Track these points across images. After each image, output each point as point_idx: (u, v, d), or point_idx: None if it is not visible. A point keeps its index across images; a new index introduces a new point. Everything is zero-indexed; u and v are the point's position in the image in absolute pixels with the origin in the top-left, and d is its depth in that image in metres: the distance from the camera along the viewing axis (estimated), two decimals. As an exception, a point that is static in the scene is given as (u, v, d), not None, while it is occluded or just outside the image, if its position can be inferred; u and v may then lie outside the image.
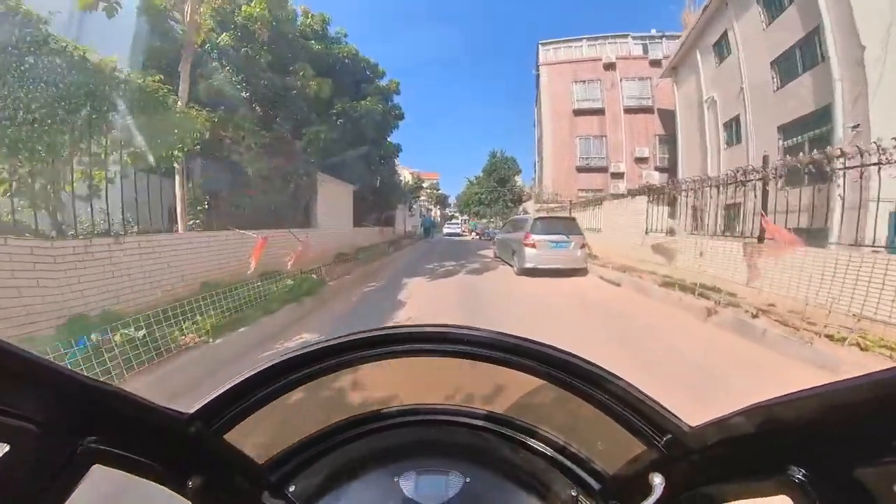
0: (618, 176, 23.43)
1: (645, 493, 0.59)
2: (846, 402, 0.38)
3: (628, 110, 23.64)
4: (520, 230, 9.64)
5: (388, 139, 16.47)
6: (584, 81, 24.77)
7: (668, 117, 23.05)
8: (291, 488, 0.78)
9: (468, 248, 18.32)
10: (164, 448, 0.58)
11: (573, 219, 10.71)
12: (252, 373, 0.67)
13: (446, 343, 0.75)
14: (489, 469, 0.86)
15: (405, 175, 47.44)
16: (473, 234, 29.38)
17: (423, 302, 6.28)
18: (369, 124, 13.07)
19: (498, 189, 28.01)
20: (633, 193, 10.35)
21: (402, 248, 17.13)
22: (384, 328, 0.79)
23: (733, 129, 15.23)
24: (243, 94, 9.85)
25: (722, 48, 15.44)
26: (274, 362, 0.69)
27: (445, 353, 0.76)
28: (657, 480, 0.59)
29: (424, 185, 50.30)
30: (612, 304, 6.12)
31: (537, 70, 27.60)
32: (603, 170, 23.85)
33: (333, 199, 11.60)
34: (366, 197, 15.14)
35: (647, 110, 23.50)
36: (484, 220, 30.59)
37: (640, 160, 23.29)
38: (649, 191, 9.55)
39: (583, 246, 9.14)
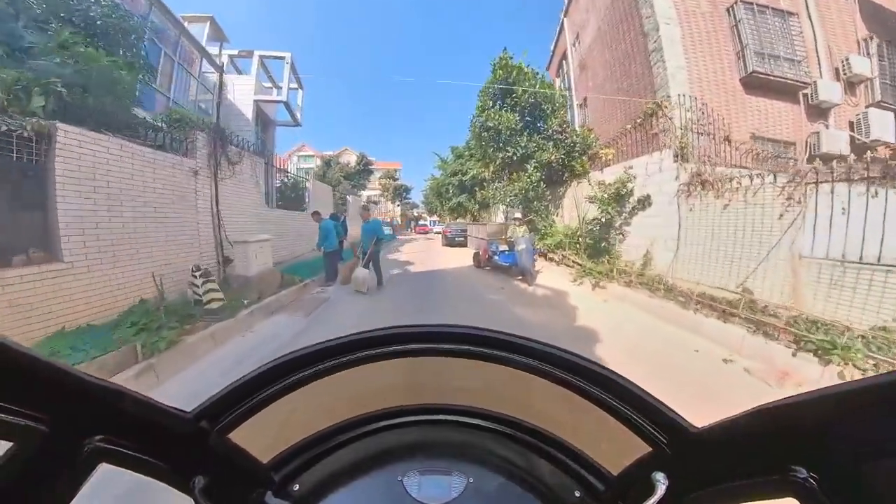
0: (819, 112, 9.93)
1: (650, 495, 0.58)
2: (852, 403, 0.37)
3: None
4: None
5: None
6: None
7: (880, 14, 10.60)
8: (296, 487, 0.78)
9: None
10: (169, 447, 0.57)
11: None
12: (255, 373, 0.67)
13: (450, 342, 0.74)
14: (492, 470, 0.85)
15: (349, 157, 30.37)
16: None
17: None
18: None
19: (525, 135, 10.95)
20: None
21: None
22: (388, 328, 0.74)
23: None
24: None
25: None
26: (277, 362, 0.68)
27: (449, 352, 0.74)
28: (662, 482, 0.58)
29: (377, 172, 33.66)
30: None
31: None
32: (790, 92, 9.93)
33: None
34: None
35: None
36: (459, 221, 14.75)
37: (852, 83, 10.22)
38: None
39: None
